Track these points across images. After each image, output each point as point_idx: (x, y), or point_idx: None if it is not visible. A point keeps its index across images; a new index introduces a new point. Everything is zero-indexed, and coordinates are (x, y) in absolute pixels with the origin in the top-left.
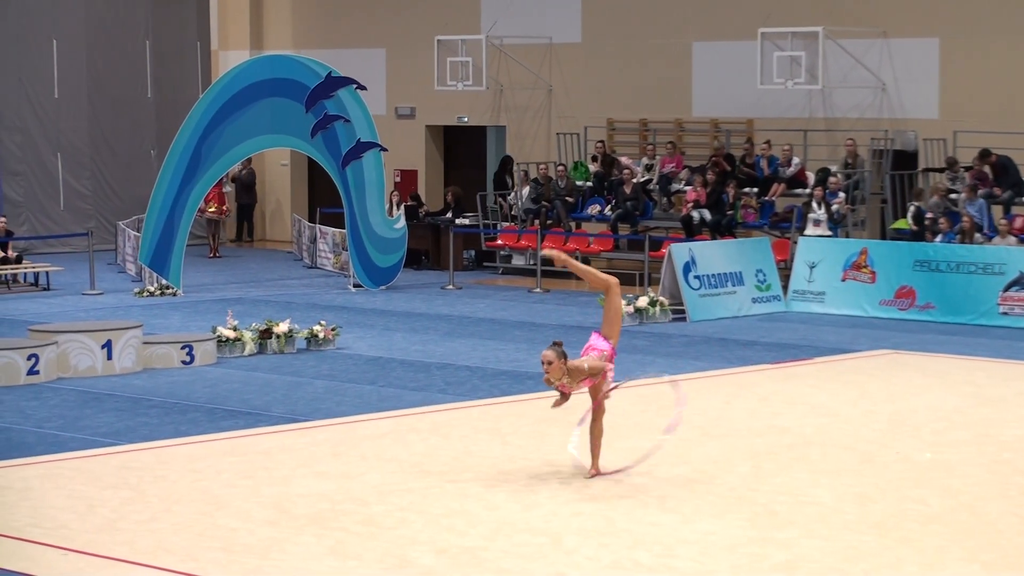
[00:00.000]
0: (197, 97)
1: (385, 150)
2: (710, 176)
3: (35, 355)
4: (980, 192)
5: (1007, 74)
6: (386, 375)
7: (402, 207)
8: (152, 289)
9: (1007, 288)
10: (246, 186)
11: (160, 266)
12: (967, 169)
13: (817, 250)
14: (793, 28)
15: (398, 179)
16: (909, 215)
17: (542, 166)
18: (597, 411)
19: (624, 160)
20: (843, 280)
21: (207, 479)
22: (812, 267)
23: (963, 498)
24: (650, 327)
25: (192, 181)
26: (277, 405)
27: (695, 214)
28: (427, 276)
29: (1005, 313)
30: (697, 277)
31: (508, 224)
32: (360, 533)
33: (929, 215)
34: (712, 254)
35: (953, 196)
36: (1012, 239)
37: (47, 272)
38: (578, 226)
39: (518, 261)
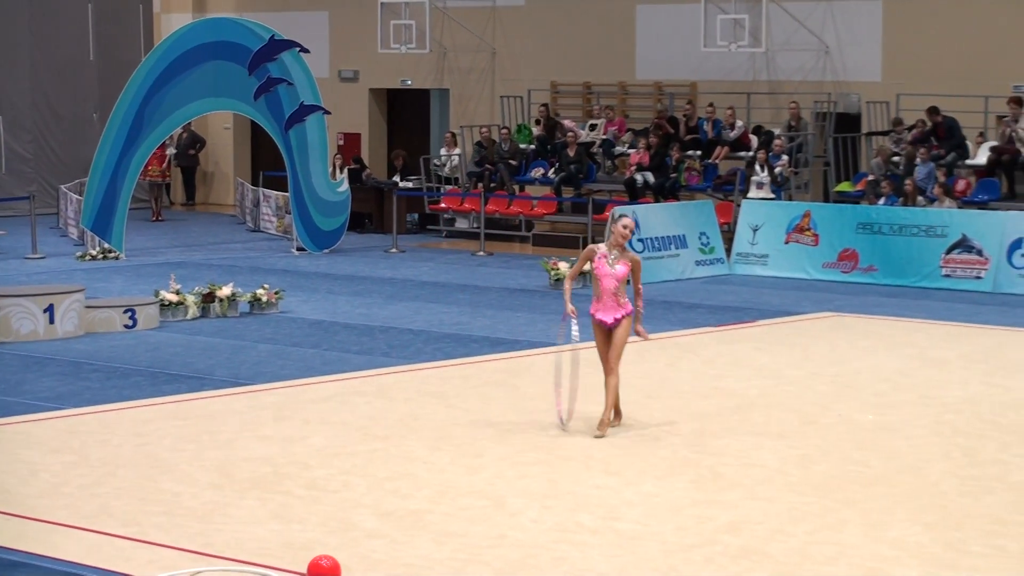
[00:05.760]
0: (140, 60)
1: (328, 113)
2: (653, 139)
3: None
4: (930, 153)
5: (950, 37)
6: (330, 339)
7: (345, 170)
8: (94, 253)
9: (949, 250)
10: (186, 148)
11: (102, 230)
12: (910, 129)
13: (760, 213)
14: None
15: (341, 142)
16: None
17: (484, 129)
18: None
19: (567, 123)
20: (786, 243)
21: (150, 443)
22: (755, 230)
23: (906, 459)
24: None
25: (135, 144)
26: (220, 369)
27: (638, 177)
28: (370, 239)
29: (947, 275)
30: (640, 240)
31: (451, 187)
32: (303, 496)
33: (871, 177)
34: (655, 217)
35: (896, 159)
36: (949, 202)
37: None
38: (521, 189)
39: (461, 224)
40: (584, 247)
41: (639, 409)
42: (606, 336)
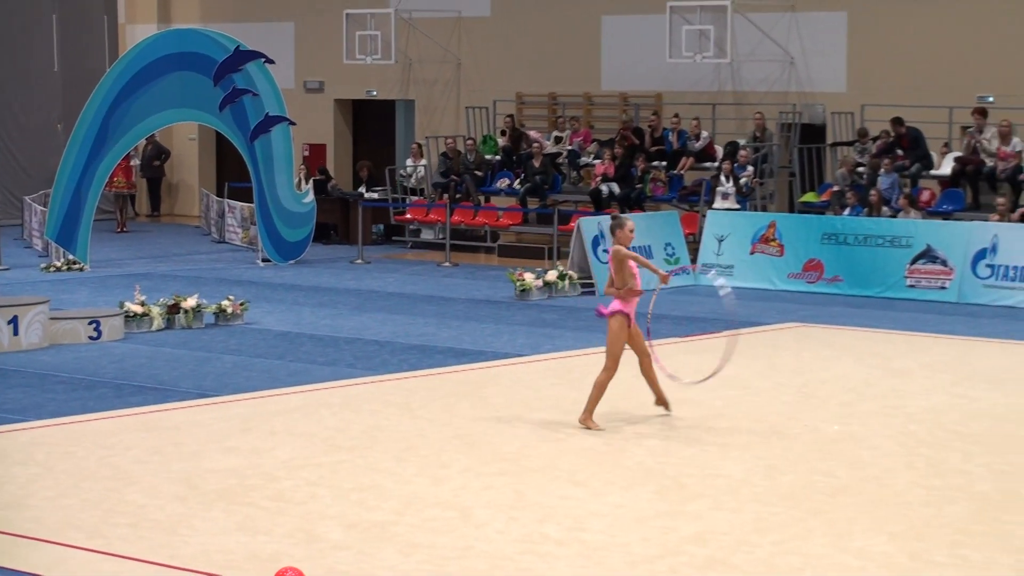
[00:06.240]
0: (104, 71)
1: (293, 124)
2: (618, 150)
3: None
4: (895, 164)
5: (914, 47)
6: (295, 350)
7: (311, 181)
8: (59, 264)
9: (914, 261)
10: (151, 159)
11: (67, 241)
12: (874, 140)
13: (725, 224)
14: (702, 2)
15: (307, 153)
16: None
17: (450, 140)
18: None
19: (533, 134)
20: (751, 253)
21: (116, 455)
22: (720, 240)
23: (871, 470)
24: (559, 301)
25: (99, 155)
26: (185, 380)
27: (604, 187)
28: (336, 250)
29: (912, 286)
30: (606, 251)
31: (417, 198)
32: (269, 508)
33: (836, 188)
34: None
35: (860, 169)
36: (914, 212)
37: None
38: (487, 200)
39: (427, 235)
40: (548, 258)
41: (604, 420)
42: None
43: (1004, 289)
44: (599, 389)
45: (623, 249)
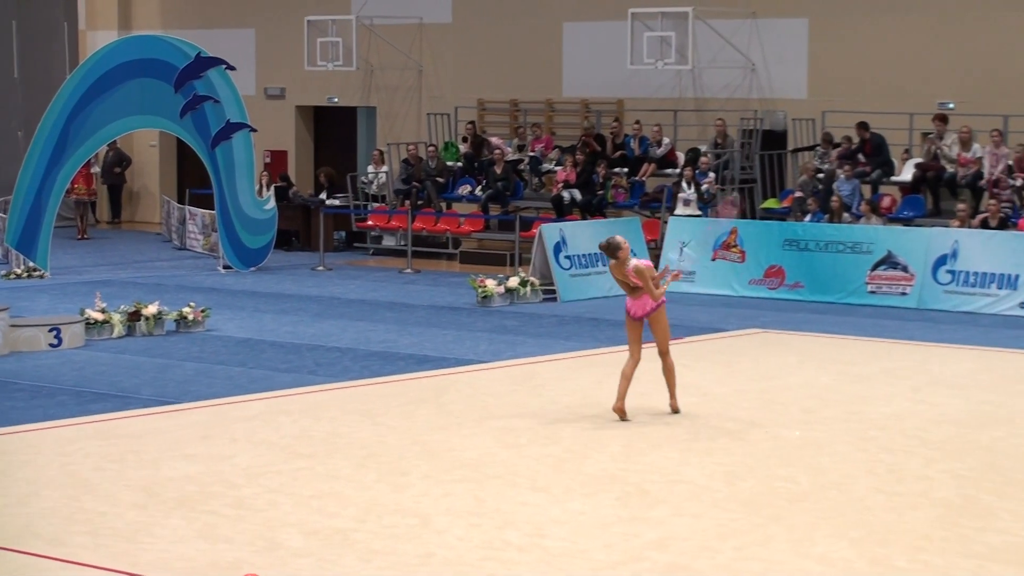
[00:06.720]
0: (65, 77)
1: (255, 131)
2: (580, 156)
3: None
4: (855, 171)
5: (875, 54)
6: (256, 357)
7: (272, 188)
8: (19, 271)
9: (875, 267)
10: (112, 166)
11: (27, 248)
12: (836, 146)
13: (687, 230)
14: (663, 8)
15: (268, 160)
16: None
17: (412, 146)
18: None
19: (494, 140)
20: (713, 259)
21: (75, 463)
22: (683, 247)
23: (832, 476)
24: (521, 307)
25: (60, 162)
26: (146, 387)
27: (565, 194)
28: (297, 257)
29: (873, 292)
30: (568, 257)
31: (378, 205)
32: (229, 516)
33: (798, 194)
34: (582, 234)
35: (821, 175)
36: (875, 219)
37: None
38: (449, 206)
39: (389, 242)
40: (510, 264)
41: (566, 426)
42: None
43: (964, 295)
44: (671, 374)
45: (643, 267)
